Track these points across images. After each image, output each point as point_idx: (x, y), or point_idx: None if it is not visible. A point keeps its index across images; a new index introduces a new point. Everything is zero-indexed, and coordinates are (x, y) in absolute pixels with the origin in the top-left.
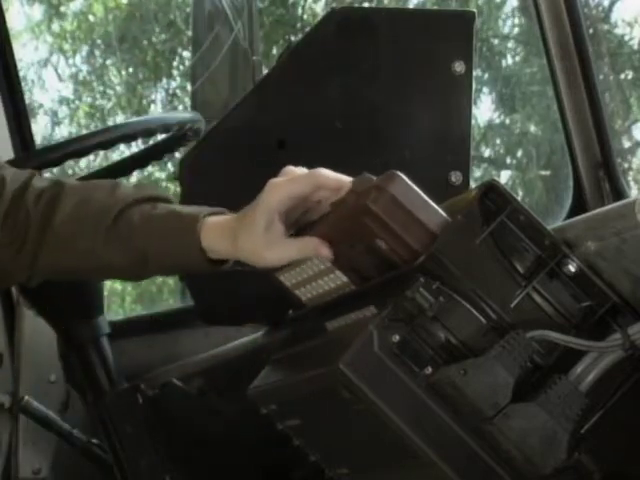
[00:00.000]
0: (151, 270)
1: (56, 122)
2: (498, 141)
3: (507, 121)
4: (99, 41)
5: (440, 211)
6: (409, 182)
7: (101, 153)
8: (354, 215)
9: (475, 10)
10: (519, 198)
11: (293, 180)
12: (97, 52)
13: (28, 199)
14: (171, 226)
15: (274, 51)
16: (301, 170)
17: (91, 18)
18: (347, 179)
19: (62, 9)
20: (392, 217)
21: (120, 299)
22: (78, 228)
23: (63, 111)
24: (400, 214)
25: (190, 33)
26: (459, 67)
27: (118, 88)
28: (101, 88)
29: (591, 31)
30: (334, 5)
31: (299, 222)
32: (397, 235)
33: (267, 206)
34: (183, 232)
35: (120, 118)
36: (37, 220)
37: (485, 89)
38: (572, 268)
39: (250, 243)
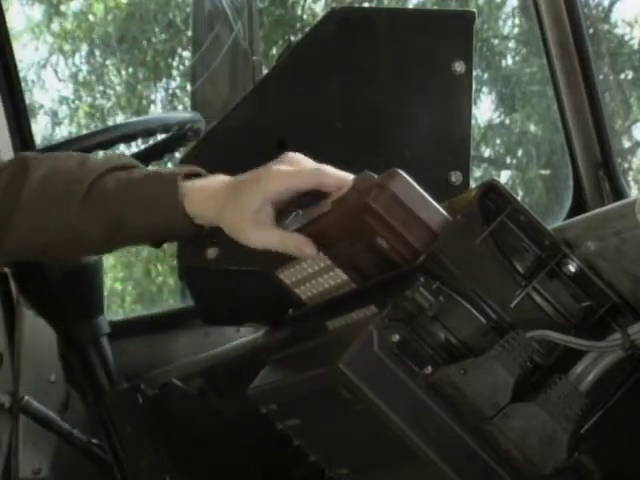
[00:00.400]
0: (126, 238)
1: (56, 122)
2: (498, 141)
3: (507, 121)
4: (99, 41)
5: (441, 210)
6: (410, 180)
7: (101, 153)
8: (355, 213)
9: (475, 10)
10: (519, 198)
11: (296, 174)
12: (97, 52)
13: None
14: (149, 190)
15: (274, 51)
16: (306, 161)
17: (91, 18)
18: (350, 177)
19: (62, 8)
20: (393, 215)
21: (120, 299)
22: (48, 201)
23: (63, 111)
24: (401, 212)
25: (190, 33)
26: (459, 67)
27: (118, 88)
28: (101, 88)
29: (591, 31)
30: (334, 5)
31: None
32: (398, 233)
33: (264, 192)
34: (162, 195)
35: (120, 118)
36: (2, 198)
37: (485, 89)
38: (572, 268)
39: (236, 218)
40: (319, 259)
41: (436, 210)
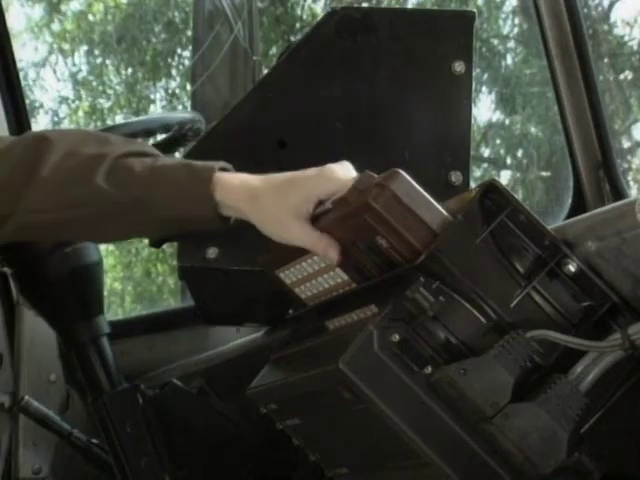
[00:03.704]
0: (143, 221)
1: (56, 121)
2: (498, 141)
3: (507, 122)
4: (98, 41)
5: (442, 210)
6: (411, 180)
7: None
8: (355, 212)
9: (475, 10)
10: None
11: (344, 183)
12: (96, 52)
13: (14, 150)
14: (182, 176)
15: (273, 51)
16: (353, 172)
17: (90, 18)
18: None
19: (62, 8)
20: (393, 215)
21: (120, 299)
22: (69, 176)
23: (63, 111)
24: (401, 212)
25: (190, 33)
26: (459, 67)
27: (117, 88)
28: (100, 88)
29: (590, 31)
30: (334, 5)
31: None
32: (398, 233)
33: (316, 188)
34: (195, 182)
35: (119, 118)
36: (18, 170)
37: (484, 89)
38: (572, 268)
39: (276, 209)
40: (320, 259)
41: (436, 210)
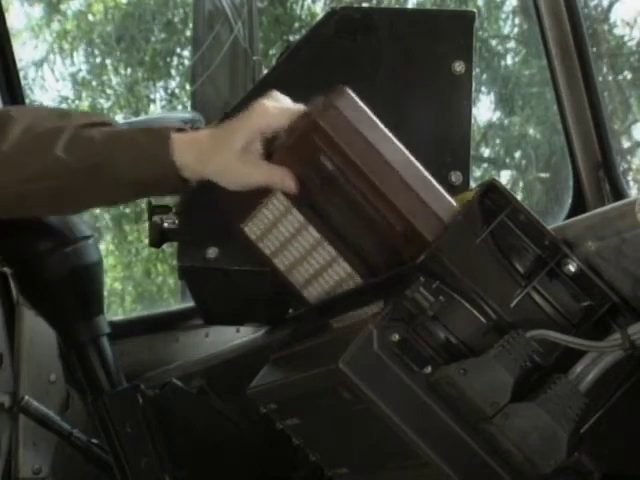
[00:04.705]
0: (108, 187)
1: None
2: (498, 141)
3: (506, 122)
4: (98, 40)
5: (385, 130)
6: (357, 99)
7: None
8: (303, 134)
9: (475, 10)
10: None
11: (286, 110)
12: (96, 51)
13: None
14: (140, 139)
15: (273, 51)
16: (289, 101)
17: (90, 17)
18: None
19: (62, 7)
20: (337, 132)
21: (120, 299)
22: (30, 149)
23: None
24: (345, 129)
25: (189, 33)
26: (459, 67)
27: (117, 87)
28: (100, 88)
29: (590, 31)
30: (334, 5)
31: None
32: (341, 151)
33: (253, 125)
34: (153, 143)
35: (120, 118)
36: None
37: (484, 89)
38: (572, 268)
39: (225, 156)
40: (279, 202)
41: (380, 129)
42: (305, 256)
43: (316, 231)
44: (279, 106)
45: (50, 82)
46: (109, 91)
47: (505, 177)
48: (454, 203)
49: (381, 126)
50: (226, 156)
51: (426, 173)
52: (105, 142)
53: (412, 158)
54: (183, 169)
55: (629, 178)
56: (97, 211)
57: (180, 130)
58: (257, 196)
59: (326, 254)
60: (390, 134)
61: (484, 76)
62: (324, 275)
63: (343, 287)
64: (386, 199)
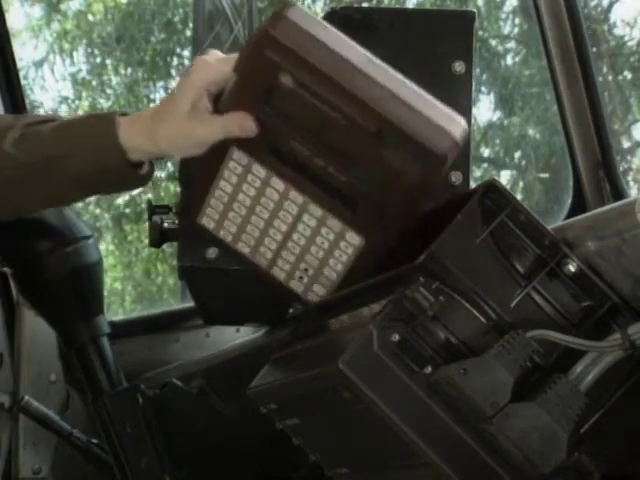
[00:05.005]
0: (60, 180)
1: None
2: (498, 141)
3: (506, 122)
4: (98, 40)
5: (338, 32)
6: (305, 9)
7: None
8: (254, 54)
9: (475, 10)
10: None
11: (225, 60)
12: (96, 51)
13: None
14: (86, 126)
15: None
16: (219, 53)
17: (90, 17)
18: None
19: (62, 7)
20: (292, 40)
21: (120, 299)
22: None
23: (63, 110)
24: (302, 36)
25: (188, 33)
26: (459, 67)
27: (117, 87)
28: (100, 88)
29: (590, 31)
30: (333, 5)
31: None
32: (300, 58)
33: (195, 82)
34: (99, 129)
35: None
36: None
37: (484, 89)
38: (572, 268)
39: (173, 124)
40: (235, 166)
41: (333, 31)
42: (271, 220)
43: (281, 181)
44: (219, 57)
45: (50, 82)
46: (109, 91)
47: (505, 177)
48: (449, 110)
49: (340, 34)
50: (174, 121)
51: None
52: (53, 135)
53: (378, 61)
54: (131, 151)
55: (629, 178)
56: (97, 211)
57: (124, 114)
58: (207, 178)
59: (294, 206)
60: (350, 41)
61: (484, 76)
62: (293, 236)
63: (316, 243)
64: (371, 109)
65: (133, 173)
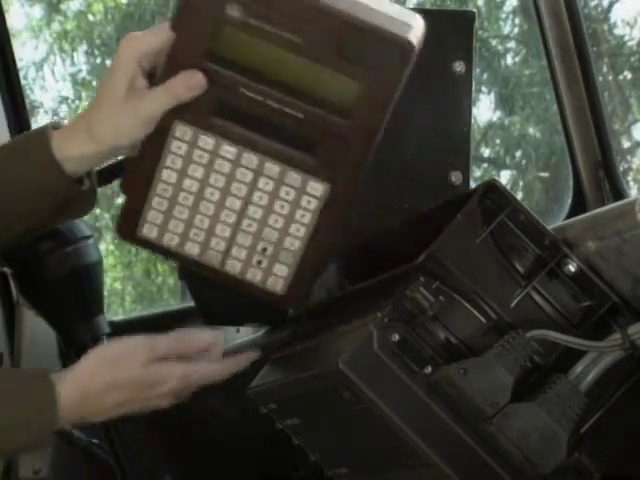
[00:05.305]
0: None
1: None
2: (498, 141)
3: (506, 122)
4: (98, 41)
5: None
6: None
7: None
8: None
9: (475, 10)
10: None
11: (151, 32)
12: (96, 52)
13: None
14: (19, 145)
15: None
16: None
17: (90, 18)
18: None
19: (62, 7)
20: None
21: (120, 299)
22: None
23: (63, 110)
24: None
25: None
26: (459, 67)
27: None
28: None
29: (590, 31)
30: None
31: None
32: None
33: (126, 60)
34: (31, 148)
35: None
36: None
37: (484, 89)
38: (572, 268)
39: (112, 110)
40: (177, 149)
41: None
42: (222, 201)
43: (232, 145)
44: (143, 32)
45: (50, 82)
46: None
47: (505, 177)
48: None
49: None
50: (113, 105)
51: None
52: None
53: None
54: (68, 161)
55: (629, 178)
56: (97, 211)
57: (55, 127)
58: (148, 174)
59: (248, 172)
60: None
61: (484, 76)
62: (249, 210)
63: (275, 210)
64: (330, 15)
65: (75, 190)
